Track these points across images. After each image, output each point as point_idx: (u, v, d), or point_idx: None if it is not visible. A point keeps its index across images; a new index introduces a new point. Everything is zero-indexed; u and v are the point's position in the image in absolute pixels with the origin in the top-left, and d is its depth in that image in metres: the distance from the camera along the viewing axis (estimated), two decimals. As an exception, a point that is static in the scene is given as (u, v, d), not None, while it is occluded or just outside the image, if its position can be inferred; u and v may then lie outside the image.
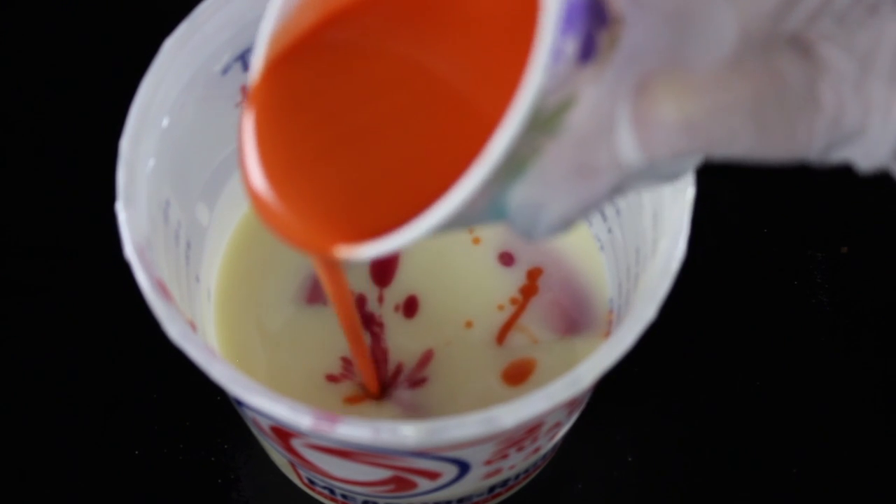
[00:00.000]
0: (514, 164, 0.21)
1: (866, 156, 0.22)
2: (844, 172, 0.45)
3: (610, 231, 0.36)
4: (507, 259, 0.38)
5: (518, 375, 0.36)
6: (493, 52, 0.24)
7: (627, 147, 0.21)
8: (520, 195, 0.22)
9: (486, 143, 0.21)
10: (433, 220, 0.22)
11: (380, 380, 0.35)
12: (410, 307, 0.37)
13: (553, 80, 0.20)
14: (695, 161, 0.23)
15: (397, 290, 0.37)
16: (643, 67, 0.21)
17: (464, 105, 0.24)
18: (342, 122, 0.25)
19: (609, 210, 0.36)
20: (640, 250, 0.32)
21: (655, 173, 0.23)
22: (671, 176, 0.23)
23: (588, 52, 0.20)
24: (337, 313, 0.31)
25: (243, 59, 0.33)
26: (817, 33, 0.21)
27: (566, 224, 0.23)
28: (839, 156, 0.22)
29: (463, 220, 0.22)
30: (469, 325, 0.37)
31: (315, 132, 0.26)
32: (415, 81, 0.25)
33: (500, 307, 0.37)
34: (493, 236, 0.38)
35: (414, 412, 0.35)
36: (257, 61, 0.26)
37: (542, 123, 0.21)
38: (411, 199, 0.23)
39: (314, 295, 0.37)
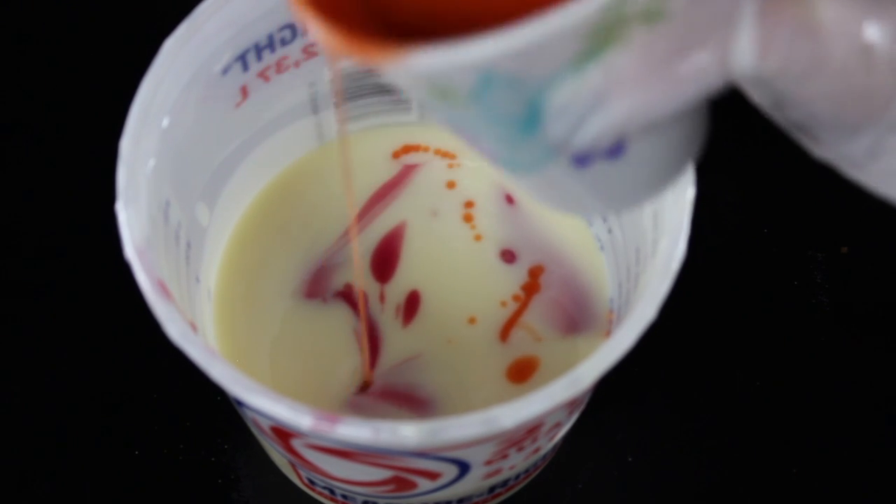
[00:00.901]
0: (598, 37, 0.19)
1: None
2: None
3: (610, 231, 0.36)
4: (508, 256, 0.38)
5: (521, 372, 0.36)
6: None
7: (743, 44, 0.20)
8: (582, 82, 0.20)
9: None
10: (513, 41, 0.19)
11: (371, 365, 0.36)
12: (412, 303, 0.37)
13: None
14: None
15: (399, 287, 0.37)
16: None
17: None
18: None
19: (609, 210, 0.36)
20: (640, 250, 0.32)
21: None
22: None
23: None
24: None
25: (243, 59, 0.33)
26: None
27: (617, 132, 0.21)
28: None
29: (529, 66, 0.19)
30: (472, 321, 0.37)
31: None
32: None
33: (503, 304, 0.37)
34: (494, 234, 0.38)
35: (418, 409, 0.35)
36: None
37: None
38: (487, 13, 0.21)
39: (313, 291, 0.37)
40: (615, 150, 0.22)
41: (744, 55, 0.20)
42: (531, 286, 0.37)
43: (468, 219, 0.38)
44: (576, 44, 0.19)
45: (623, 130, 0.21)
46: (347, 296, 0.37)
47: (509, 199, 0.39)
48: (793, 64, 0.20)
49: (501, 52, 0.19)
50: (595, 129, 0.20)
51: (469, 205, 0.39)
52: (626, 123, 0.20)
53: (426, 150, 0.40)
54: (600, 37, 0.19)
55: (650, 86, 0.20)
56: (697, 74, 0.20)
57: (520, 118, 0.21)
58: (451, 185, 0.39)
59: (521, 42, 0.19)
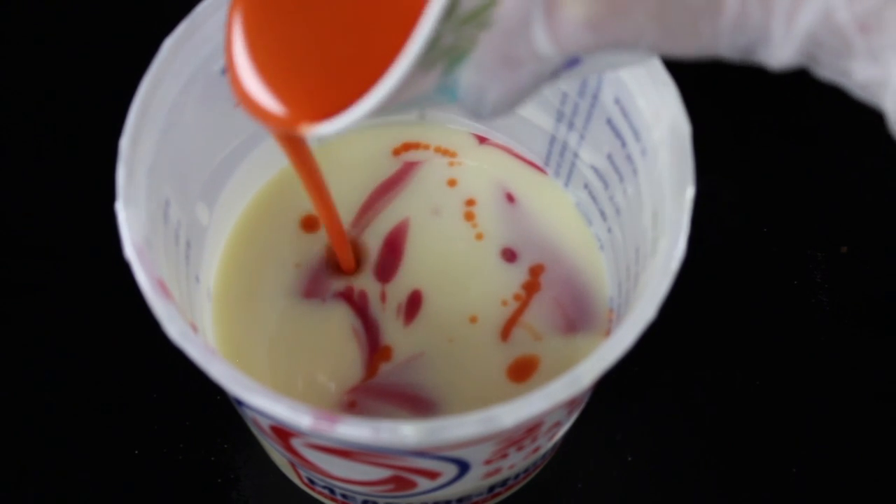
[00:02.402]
0: (453, 53, 0.24)
1: (772, 57, 0.22)
2: (845, 172, 0.45)
3: (610, 231, 0.36)
4: (509, 255, 0.38)
5: (522, 371, 0.36)
6: None
7: (541, 41, 0.23)
8: (464, 79, 0.24)
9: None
10: (373, 101, 0.24)
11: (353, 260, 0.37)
12: (414, 302, 0.37)
13: None
14: (637, 52, 0.24)
15: (400, 286, 0.37)
16: None
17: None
18: (307, 16, 0.27)
19: (609, 209, 0.36)
20: (639, 250, 0.32)
21: (595, 63, 0.25)
22: (617, 64, 0.25)
23: None
24: (306, 187, 0.33)
25: (243, 58, 0.33)
26: None
27: (507, 107, 0.25)
28: (754, 58, 0.23)
29: (412, 100, 0.25)
30: (473, 320, 0.37)
31: (287, 25, 0.28)
32: None
33: (504, 303, 0.37)
34: (495, 233, 0.38)
35: (419, 408, 0.35)
36: None
37: (470, 18, 0.23)
38: (367, 82, 0.25)
39: (312, 291, 0.37)
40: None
41: (544, 48, 0.23)
42: (532, 285, 0.37)
43: (469, 217, 0.38)
44: (432, 72, 0.24)
45: (506, 104, 0.25)
46: (347, 295, 0.37)
47: (510, 198, 0.39)
48: (588, 46, 0.23)
49: (365, 112, 0.24)
50: (489, 106, 0.25)
51: (470, 203, 0.39)
52: (504, 101, 0.25)
53: (426, 147, 0.40)
54: (449, 57, 0.24)
55: (501, 74, 0.24)
56: (524, 63, 0.24)
57: (446, 100, 0.26)
58: (451, 182, 0.39)
59: (375, 102, 0.24)
